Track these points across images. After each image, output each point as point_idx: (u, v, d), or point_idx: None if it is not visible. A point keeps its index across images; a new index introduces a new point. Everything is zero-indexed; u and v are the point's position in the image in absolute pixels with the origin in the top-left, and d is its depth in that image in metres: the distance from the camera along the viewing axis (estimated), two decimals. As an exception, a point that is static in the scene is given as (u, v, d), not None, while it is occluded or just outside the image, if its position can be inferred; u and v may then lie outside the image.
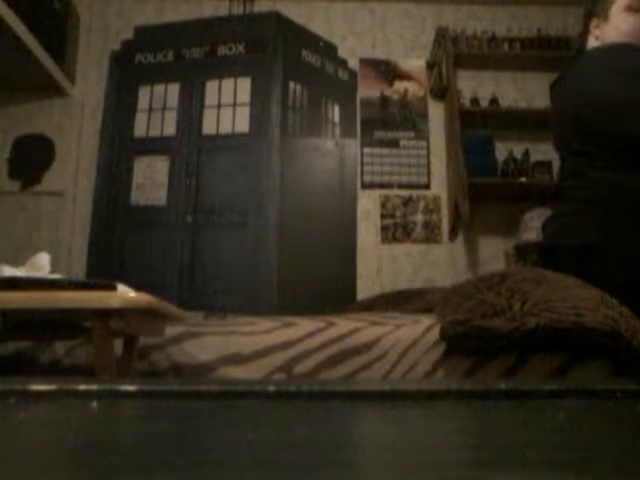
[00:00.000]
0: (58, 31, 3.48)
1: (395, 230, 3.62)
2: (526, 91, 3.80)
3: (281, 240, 3.37)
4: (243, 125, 3.54)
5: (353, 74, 3.83)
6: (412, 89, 3.82)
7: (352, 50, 3.86)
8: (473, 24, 3.86)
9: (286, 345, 1.39)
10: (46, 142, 3.61)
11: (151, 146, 3.60)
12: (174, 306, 1.26)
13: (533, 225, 3.14)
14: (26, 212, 3.54)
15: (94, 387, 0.47)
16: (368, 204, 3.66)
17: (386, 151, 3.72)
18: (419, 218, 3.64)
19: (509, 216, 3.57)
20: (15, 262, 1.23)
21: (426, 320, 1.47)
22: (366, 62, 3.85)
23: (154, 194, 3.53)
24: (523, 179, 3.50)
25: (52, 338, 1.32)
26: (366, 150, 3.72)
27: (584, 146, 1.61)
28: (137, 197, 3.54)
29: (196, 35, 3.71)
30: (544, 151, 3.58)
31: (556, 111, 1.79)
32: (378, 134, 3.74)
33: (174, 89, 3.66)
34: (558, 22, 3.76)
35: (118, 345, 1.20)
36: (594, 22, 1.71)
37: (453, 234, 3.58)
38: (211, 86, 3.63)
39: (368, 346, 1.39)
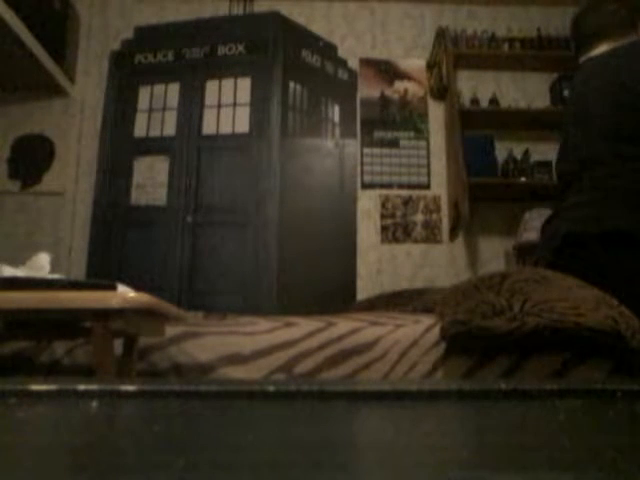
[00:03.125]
0: (58, 31, 3.48)
1: (395, 230, 3.62)
2: (526, 91, 3.80)
3: (281, 240, 3.37)
4: (243, 125, 3.54)
5: (353, 74, 3.83)
6: (412, 89, 3.82)
7: (352, 50, 3.86)
8: (473, 24, 3.86)
9: (286, 345, 1.39)
10: (46, 142, 3.61)
11: (151, 146, 3.60)
12: (174, 306, 1.26)
13: (533, 225, 3.14)
14: (26, 212, 3.53)
15: (94, 387, 0.47)
16: (368, 204, 3.66)
17: (386, 151, 3.72)
18: (419, 218, 3.64)
19: (509, 216, 3.57)
20: (15, 262, 1.23)
21: (426, 320, 1.47)
22: (366, 62, 3.85)
23: (154, 194, 3.53)
24: (523, 179, 3.50)
25: (52, 338, 1.32)
26: (366, 150, 3.72)
27: (633, 132, 1.59)
28: (137, 197, 3.54)
29: (196, 35, 3.71)
30: (544, 151, 3.58)
31: (591, 97, 1.75)
32: (378, 134, 3.74)
33: (174, 89, 3.66)
34: (558, 22, 3.76)
35: (118, 345, 1.20)
36: None
37: (453, 234, 3.58)
38: (211, 86, 3.63)
39: (368, 346, 1.39)
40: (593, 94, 1.73)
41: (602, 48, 1.75)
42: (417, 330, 1.43)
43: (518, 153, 3.61)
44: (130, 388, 0.47)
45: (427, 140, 3.76)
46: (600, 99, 1.69)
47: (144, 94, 3.67)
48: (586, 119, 1.73)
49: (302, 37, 3.75)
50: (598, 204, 1.60)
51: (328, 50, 3.81)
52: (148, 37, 3.78)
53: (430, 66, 3.79)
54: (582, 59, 1.83)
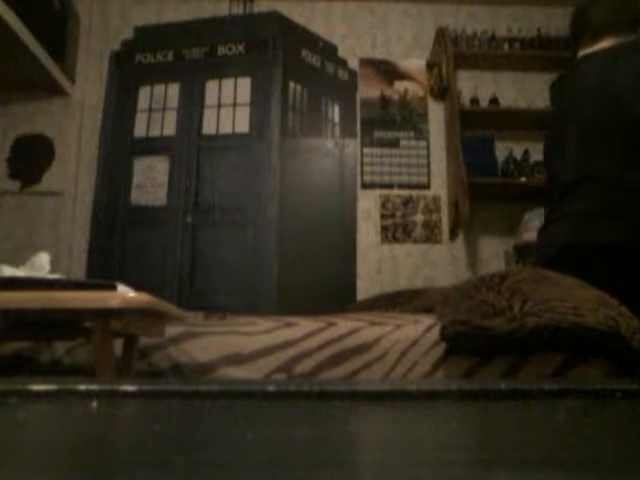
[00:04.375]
0: (58, 31, 3.48)
1: (395, 230, 3.62)
2: (526, 91, 3.80)
3: (281, 240, 3.37)
4: (243, 125, 3.54)
5: (353, 74, 3.83)
6: (412, 89, 3.82)
7: (352, 50, 3.86)
8: (473, 24, 3.86)
9: (286, 345, 1.39)
10: (46, 142, 3.61)
11: (151, 146, 3.60)
12: (174, 306, 1.26)
13: (533, 225, 3.14)
14: (26, 212, 3.53)
15: (94, 387, 0.47)
16: (368, 204, 3.66)
17: (386, 151, 3.72)
18: (419, 218, 3.64)
19: (509, 216, 3.57)
20: (15, 262, 1.23)
21: (426, 320, 1.47)
22: (366, 62, 3.85)
23: (154, 194, 3.52)
24: (523, 179, 3.51)
25: (52, 338, 1.32)
26: (366, 150, 3.72)
27: (631, 141, 1.59)
28: (137, 197, 3.54)
29: (196, 35, 3.71)
30: (544, 151, 3.58)
31: (589, 102, 1.72)
32: (378, 134, 3.74)
33: (174, 89, 3.65)
34: (558, 22, 3.76)
35: (118, 345, 1.20)
36: None
37: (453, 234, 3.58)
38: (211, 86, 3.63)
39: (368, 346, 1.39)
40: (590, 96, 1.72)
41: (603, 44, 1.75)
42: (417, 330, 1.43)
43: (518, 153, 3.61)
44: (130, 388, 0.47)
45: (427, 140, 3.76)
46: (598, 104, 1.69)
47: (144, 94, 3.67)
48: (583, 125, 1.72)
49: (302, 37, 3.75)
50: (593, 215, 1.61)
51: (328, 50, 3.81)
52: (148, 37, 3.77)
53: (430, 66, 3.79)
54: (581, 53, 1.82)
